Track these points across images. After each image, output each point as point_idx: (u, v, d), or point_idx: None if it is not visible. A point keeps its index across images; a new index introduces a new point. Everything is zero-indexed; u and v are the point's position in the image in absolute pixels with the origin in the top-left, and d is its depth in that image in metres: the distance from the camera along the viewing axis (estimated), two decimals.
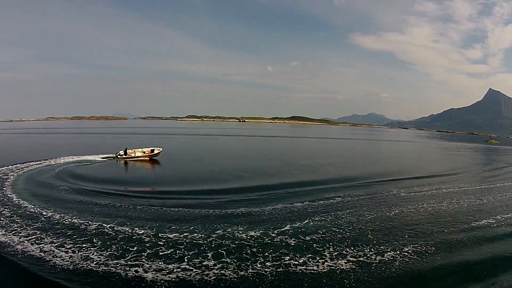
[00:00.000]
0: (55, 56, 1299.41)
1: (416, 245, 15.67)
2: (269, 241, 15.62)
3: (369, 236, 16.68)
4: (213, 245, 14.86)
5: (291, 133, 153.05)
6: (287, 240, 15.83)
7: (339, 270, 13.00)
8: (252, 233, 16.50)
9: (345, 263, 13.54)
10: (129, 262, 12.85)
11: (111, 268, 12.32)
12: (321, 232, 16.89)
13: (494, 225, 19.53)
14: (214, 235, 16.06)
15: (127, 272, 12.10)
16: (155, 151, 43.66)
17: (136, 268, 12.39)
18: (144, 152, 43.26)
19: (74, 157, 40.02)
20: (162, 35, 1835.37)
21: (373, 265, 13.47)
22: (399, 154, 69.66)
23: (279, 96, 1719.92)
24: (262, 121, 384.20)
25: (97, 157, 41.04)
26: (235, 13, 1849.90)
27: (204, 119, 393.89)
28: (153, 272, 12.14)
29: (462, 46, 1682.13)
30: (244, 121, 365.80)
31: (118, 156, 41.42)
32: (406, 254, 14.62)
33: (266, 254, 14.19)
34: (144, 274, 11.96)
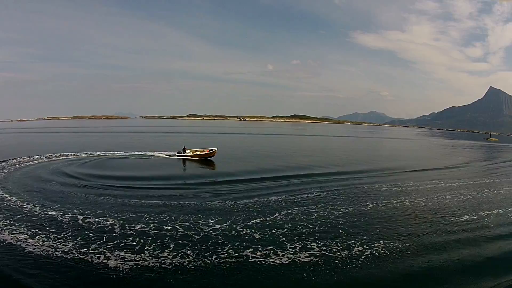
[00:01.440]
0: (55, 55, 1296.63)
1: (388, 240, 15.20)
2: (235, 234, 15.49)
3: (340, 230, 16.28)
4: (177, 236, 14.95)
5: (289, 131, 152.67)
6: (253, 233, 15.60)
7: (300, 262, 12.70)
8: (219, 226, 16.41)
9: (307, 256, 13.20)
10: (94, 251, 13.20)
11: (79, 256, 12.72)
12: (289, 226, 16.57)
13: (475, 222, 18.72)
14: (181, 227, 16.09)
15: (92, 259, 12.49)
16: (211, 151, 41.00)
17: (99, 255, 12.78)
18: (202, 151, 41.36)
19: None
20: (163, 34, 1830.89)
21: (336, 259, 13.10)
22: (392, 150, 69.23)
23: (280, 94, 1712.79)
24: (263, 119, 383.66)
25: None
26: (236, 12, 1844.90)
27: (204, 118, 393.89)
28: (115, 260, 12.42)
29: (462, 44, 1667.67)
30: (245, 120, 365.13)
31: (177, 155, 41.22)
32: (375, 249, 14.18)
33: (228, 246, 14.06)
34: (106, 261, 12.34)
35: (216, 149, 41.16)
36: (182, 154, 40.82)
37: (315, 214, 18.71)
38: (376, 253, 13.80)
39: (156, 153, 42.65)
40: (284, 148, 63.81)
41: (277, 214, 18.39)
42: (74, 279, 11.24)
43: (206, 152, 40.65)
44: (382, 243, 14.85)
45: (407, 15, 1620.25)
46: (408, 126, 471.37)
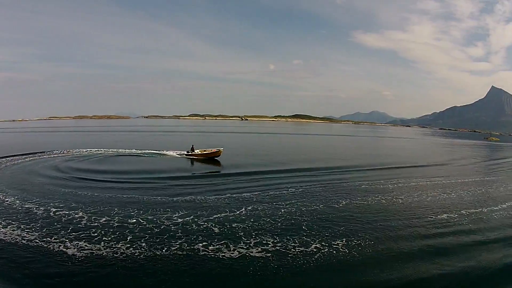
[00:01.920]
0: (56, 55, 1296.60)
1: (351, 238, 14.74)
2: (194, 228, 15.47)
3: (303, 227, 15.91)
4: (137, 229, 15.13)
5: (283, 130, 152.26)
6: (212, 227, 15.51)
7: (249, 257, 12.45)
8: (181, 220, 16.41)
9: (259, 251, 12.93)
10: (57, 240, 13.83)
11: (42, 244, 13.41)
12: (251, 221, 16.33)
13: (453, 221, 17.90)
14: (144, 220, 16.27)
15: (53, 247, 13.14)
16: (217, 151, 39.50)
17: (60, 244, 13.39)
18: (211, 151, 39.88)
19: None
20: (164, 34, 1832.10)
21: (289, 255, 12.79)
22: (384, 149, 68.84)
23: (281, 94, 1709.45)
24: (265, 119, 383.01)
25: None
26: (237, 12, 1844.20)
27: (206, 117, 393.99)
28: (73, 248, 13.00)
29: (464, 44, 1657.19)
30: (246, 119, 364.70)
31: (186, 154, 40.49)
32: (335, 247, 13.76)
33: (183, 239, 14.10)
34: (65, 249, 12.96)
35: (222, 148, 39.54)
36: (190, 153, 40.06)
37: (283, 210, 18.39)
38: (334, 251, 13.40)
39: (167, 152, 42.49)
40: (271, 146, 63.85)
41: (243, 210, 18.16)
42: (35, 263, 11.89)
43: (211, 152, 39.25)
44: (343, 241, 14.42)
45: (409, 15, 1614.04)
46: (410, 126, 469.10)
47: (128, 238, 14.15)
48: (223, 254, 12.73)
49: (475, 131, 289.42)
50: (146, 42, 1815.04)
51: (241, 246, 13.45)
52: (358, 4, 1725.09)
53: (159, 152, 42.72)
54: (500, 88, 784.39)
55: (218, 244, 13.53)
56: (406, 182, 28.38)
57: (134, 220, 16.25)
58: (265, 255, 12.71)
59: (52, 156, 37.97)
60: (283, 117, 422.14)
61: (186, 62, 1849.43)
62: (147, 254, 12.71)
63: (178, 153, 41.76)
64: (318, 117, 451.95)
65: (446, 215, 18.97)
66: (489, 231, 16.80)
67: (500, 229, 17.11)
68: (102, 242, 13.62)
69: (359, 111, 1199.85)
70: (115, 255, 12.55)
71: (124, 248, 13.14)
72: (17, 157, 36.06)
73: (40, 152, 39.63)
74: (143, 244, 13.50)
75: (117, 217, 16.62)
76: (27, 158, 35.88)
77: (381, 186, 26.15)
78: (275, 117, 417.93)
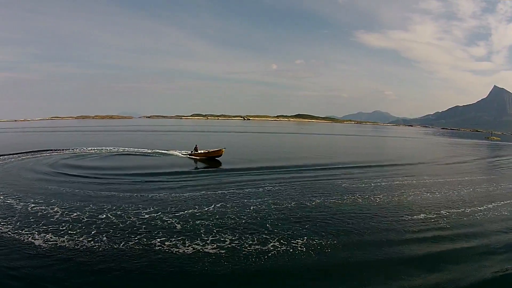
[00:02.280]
0: (58, 55, 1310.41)
1: (313, 237, 14.39)
2: (158, 223, 15.66)
3: (267, 225, 15.71)
4: (103, 224, 15.51)
5: (279, 130, 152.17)
6: (176, 223, 15.65)
7: (202, 253, 12.48)
8: (148, 216, 16.64)
9: (213, 248, 12.91)
10: (27, 232, 14.51)
11: (14, 236, 14.14)
12: (216, 218, 16.32)
13: (429, 221, 17.32)
14: (113, 216, 16.62)
15: (23, 238, 13.87)
16: (218, 151, 38.05)
17: (30, 235, 14.11)
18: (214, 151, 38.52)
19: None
20: (166, 34, 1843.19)
21: (243, 252, 12.66)
22: (378, 147, 68.64)
23: (284, 94, 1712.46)
24: (267, 119, 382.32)
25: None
26: (238, 12, 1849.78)
27: (208, 117, 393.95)
28: (41, 240, 13.69)
29: (466, 44, 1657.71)
30: (249, 119, 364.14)
31: (189, 154, 39.91)
32: (293, 245, 13.48)
33: (143, 234, 14.34)
34: (33, 240, 13.67)
35: (224, 148, 37.87)
36: (194, 153, 39.25)
37: (252, 208, 18.27)
38: (291, 249, 13.17)
39: (172, 152, 42.52)
40: (261, 144, 64.39)
41: (212, 207, 18.13)
42: (5, 254, 12.52)
43: (213, 151, 37.92)
44: (304, 240, 14.14)
45: (411, 15, 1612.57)
46: (412, 126, 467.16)
47: (92, 232, 14.47)
48: (177, 250, 12.76)
49: (477, 131, 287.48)
50: (148, 42, 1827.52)
51: (197, 242, 13.41)
52: (360, 3, 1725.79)
53: (165, 151, 42.76)
54: (502, 87, 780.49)
55: (175, 240, 13.56)
56: (388, 181, 27.93)
57: (104, 216, 16.53)
58: (218, 252, 12.66)
59: (47, 154, 38.26)
60: (285, 117, 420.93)
61: (188, 62, 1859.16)
62: (105, 247, 13.00)
63: (183, 152, 41.43)
64: (320, 117, 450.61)
65: (423, 215, 18.22)
66: (470, 232, 16.13)
67: (481, 230, 16.47)
68: (67, 235, 14.09)
69: (362, 111, 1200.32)
70: (76, 246, 13.07)
71: (86, 242, 13.51)
72: (12, 155, 36.47)
73: (36, 151, 40.03)
74: (104, 238, 13.83)
75: (88, 213, 16.99)
76: (21, 156, 36.32)
77: (362, 185, 25.67)
78: (277, 117, 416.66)
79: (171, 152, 42.44)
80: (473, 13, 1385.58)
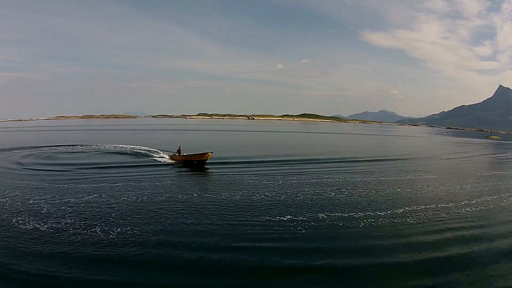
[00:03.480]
0: (64, 55, 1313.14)
1: (254, 230, 15.12)
2: (89, 209, 17.86)
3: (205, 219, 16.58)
4: (44, 210, 17.67)
5: (278, 129, 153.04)
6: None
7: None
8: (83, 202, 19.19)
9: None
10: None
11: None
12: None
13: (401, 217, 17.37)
14: (51, 204, 18.77)
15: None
16: (203, 154, 33.86)
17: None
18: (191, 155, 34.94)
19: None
20: (172, 33, 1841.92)
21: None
22: (373, 146, 69.32)
23: (289, 93, 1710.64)
24: (272, 118, 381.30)
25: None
26: (244, 11, 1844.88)
27: (213, 117, 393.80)
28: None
29: (471, 43, 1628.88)
30: (253, 118, 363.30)
31: (170, 156, 36.76)
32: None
33: (88, 222, 15.91)
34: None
35: (211, 152, 33.42)
36: (176, 155, 35.88)
37: (208, 199, 20.25)
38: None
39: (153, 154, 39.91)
40: (255, 141, 65.91)
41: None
42: None
43: (196, 154, 34.44)
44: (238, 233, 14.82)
45: (416, 14, 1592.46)
46: (417, 125, 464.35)
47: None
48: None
49: (482, 130, 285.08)
50: (154, 42, 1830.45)
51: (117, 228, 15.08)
52: (366, 3, 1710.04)
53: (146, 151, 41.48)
54: (507, 87, 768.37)
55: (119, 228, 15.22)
56: (372, 176, 28.74)
57: (49, 204, 18.47)
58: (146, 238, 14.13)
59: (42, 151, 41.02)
60: (291, 116, 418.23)
61: (194, 62, 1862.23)
62: (35, 233, 14.45)
63: (161, 155, 38.71)
64: (326, 116, 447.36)
65: (390, 211, 18.28)
66: (440, 228, 16.19)
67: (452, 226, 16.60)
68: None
69: (368, 110, 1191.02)
70: (15, 234, 14.31)
71: (23, 227, 15.12)
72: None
73: (32, 147, 43.23)
74: (42, 227, 15.17)
75: (46, 204, 18.53)
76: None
77: (346, 179, 26.66)
78: (283, 116, 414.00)
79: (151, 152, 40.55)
80: (478, 12, 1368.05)
